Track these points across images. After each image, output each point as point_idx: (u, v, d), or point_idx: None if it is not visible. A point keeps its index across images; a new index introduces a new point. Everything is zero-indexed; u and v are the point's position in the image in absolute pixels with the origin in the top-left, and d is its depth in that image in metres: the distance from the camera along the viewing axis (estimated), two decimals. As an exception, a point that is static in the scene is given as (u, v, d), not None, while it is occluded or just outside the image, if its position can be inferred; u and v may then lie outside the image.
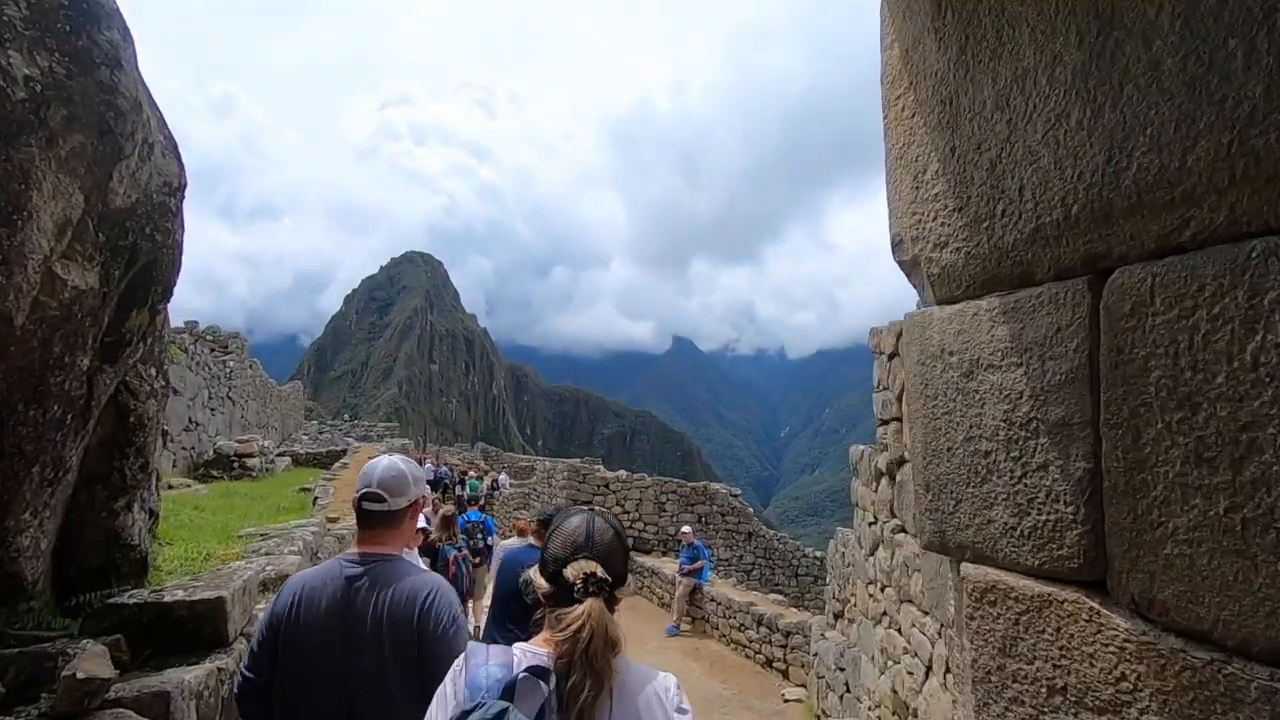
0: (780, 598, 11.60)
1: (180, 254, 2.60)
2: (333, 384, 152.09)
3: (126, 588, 2.69)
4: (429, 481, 25.03)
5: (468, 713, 1.23)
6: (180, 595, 2.76)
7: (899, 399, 4.75)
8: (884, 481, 5.10)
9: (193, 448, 13.97)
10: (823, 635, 8.15)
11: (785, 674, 9.77)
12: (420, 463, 28.57)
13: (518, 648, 1.38)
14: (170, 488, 9.31)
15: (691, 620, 12.02)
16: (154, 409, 2.63)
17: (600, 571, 1.37)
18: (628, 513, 15.42)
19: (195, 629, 2.70)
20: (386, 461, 2.07)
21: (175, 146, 2.40)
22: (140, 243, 2.20)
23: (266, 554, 3.37)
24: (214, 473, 13.13)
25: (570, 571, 1.36)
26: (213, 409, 15.85)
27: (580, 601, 1.34)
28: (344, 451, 15.19)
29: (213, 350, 18.14)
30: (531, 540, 4.59)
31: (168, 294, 2.60)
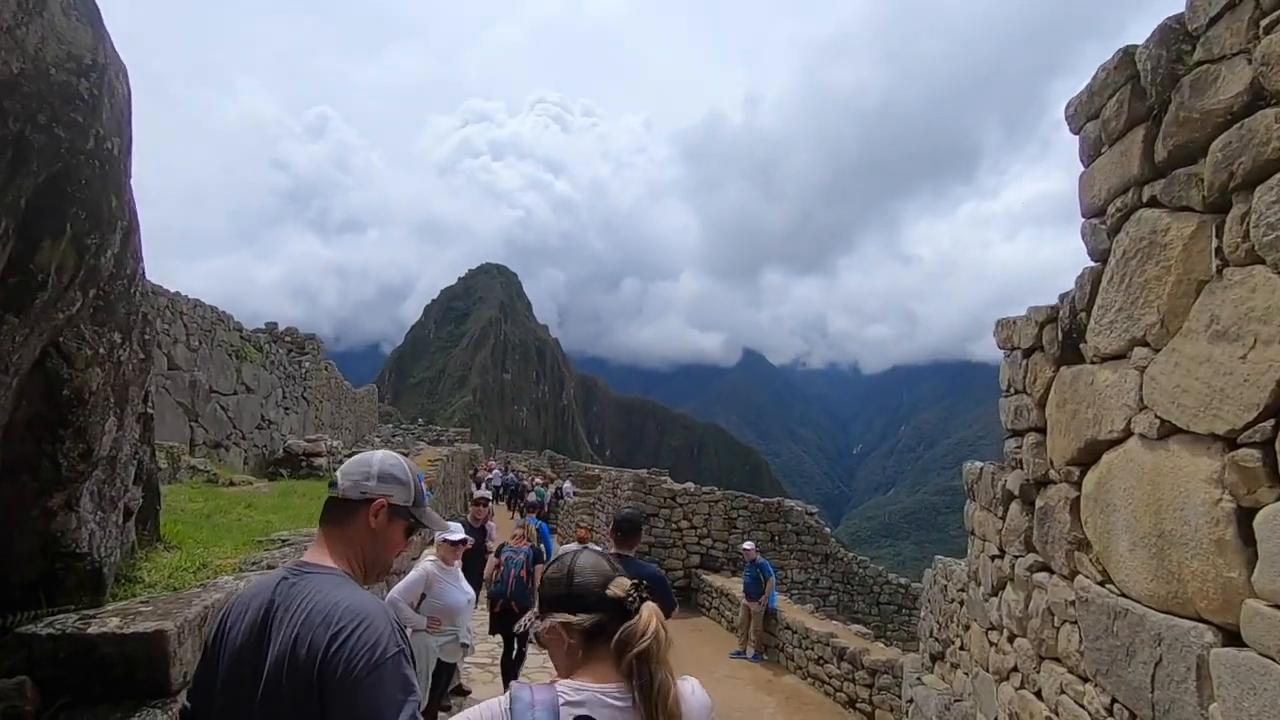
0: (863, 629, 10.52)
1: (121, 171, 2.04)
2: (411, 390, 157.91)
3: (67, 609, 2.15)
4: (498, 488, 24.93)
5: None
6: (113, 625, 2.08)
7: (1040, 404, 3.82)
8: (1015, 506, 4.15)
9: (265, 446, 14.11)
10: (919, 680, 7.10)
11: (870, 717, 8.71)
12: (489, 469, 28.69)
13: (562, 686, 1.30)
14: (232, 484, 9.18)
15: (765, 648, 11.09)
16: (99, 381, 2.08)
17: (643, 577, 1.43)
18: (695, 528, 14.59)
19: (127, 672, 2.03)
20: (361, 453, 1.70)
21: (94, 9, 1.83)
22: (31, 136, 1.64)
23: (269, 567, 2.86)
24: (282, 471, 13.16)
25: (617, 589, 1.37)
26: (286, 408, 16.07)
27: (636, 610, 1.35)
28: (406, 454, 15.05)
29: (290, 351, 18.51)
30: (594, 547, 4.09)
31: (102, 224, 2.04)
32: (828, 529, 15.89)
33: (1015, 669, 4.16)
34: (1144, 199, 2.73)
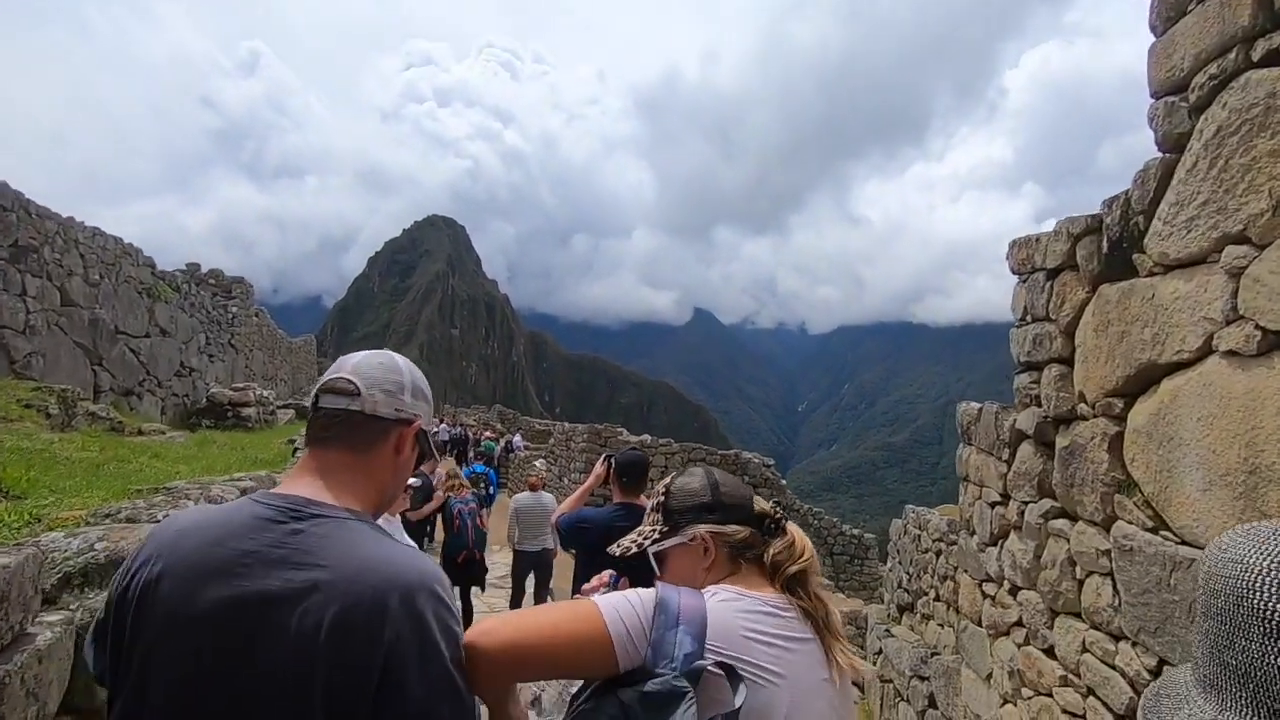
0: (825, 581, 10.35)
1: None
2: (354, 345, 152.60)
3: None
4: (445, 442, 24.15)
5: (647, 679, 0.97)
6: None
7: (1066, 332, 3.36)
8: (1026, 448, 3.73)
9: (185, 395, 12.96)
10: (888, 632, 6.88)
11: (832, 669, 8.55)
12: (437, 423, 27.71)
13: (723, 590, 1.15)
14: (140, 433, 8.22)
15: None
16: None
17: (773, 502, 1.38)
18: (652, 480, 14.19)
19: None
20: (375, 353, 1.21)
21: None
22: None
23: (129, 520, 2.18)
24: (205, 421, 12.11)
25: (764, 506, 1.33)
26: (211, 355, 14.83)
27: (781, 526, 1.30)
28: None
29: (216, 295, 17.10)
30: (578, 488, 3.99)
31: None
32: (784, 482, 15.76)
33: (1019, 624, 3.80)
34: (1254, 58, 2.20)
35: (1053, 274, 3.50)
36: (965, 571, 4.69)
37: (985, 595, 4.31)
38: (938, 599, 6.13)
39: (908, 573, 7.10)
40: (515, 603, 7.17)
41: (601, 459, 3.79)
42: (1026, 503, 3.74)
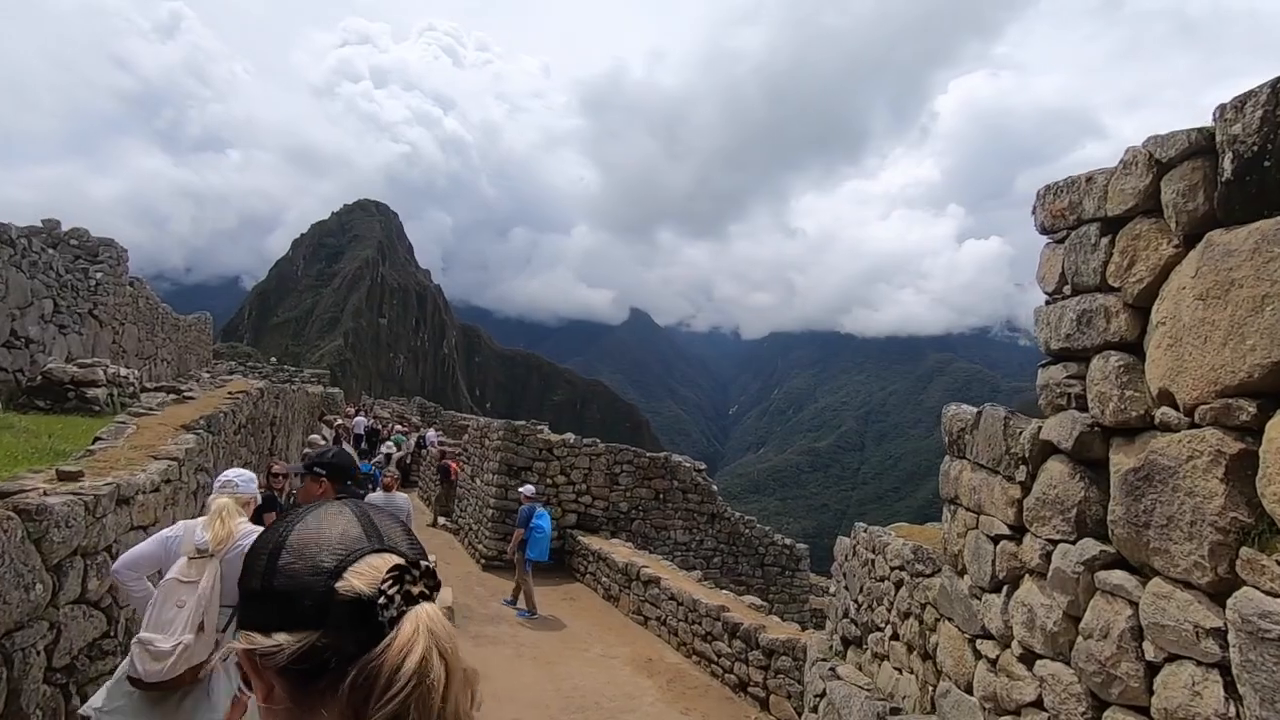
0: (758, 601, 9.39)
1: None
2: (274, 330, 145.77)
3: None
4: (359, 436, 22.28)
5: None
6: None
7: (1137, 305, 2.38)
8: (1058, 467, 2.73)
9: (18, 370, 10.87)
10: (833, 671, 5.90)
11: (764, 704, 7.56)
12: (349, 415, 25.68)
13: None
14: (-91, 414, 6.40)
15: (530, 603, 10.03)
16: None
17: (422, 561, 0.74)
18: (574, 483, 12.98)
19: None
20: None
21: None
22: None
23: None
24: (38, 402, 10.10)
25: (357, 580, 0.70)
26: (62, 326, 12.65)
27: (396, 621, 0.68)
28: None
29: (77, 259, 14.79)
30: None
31: None
32: (714, 488, 14.83)
33: (1039, 705, 2.80)
34: None
35: (1114, 225, 2.50)
36: (949, 620, 3.69)
37: (980, 656, 3.31)
38: (896, 638, 5.18)
39: (856, 601, 6.14)
40: None
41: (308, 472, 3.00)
42: (1056, 542, 2.73)
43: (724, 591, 10.02)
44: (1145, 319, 2.35)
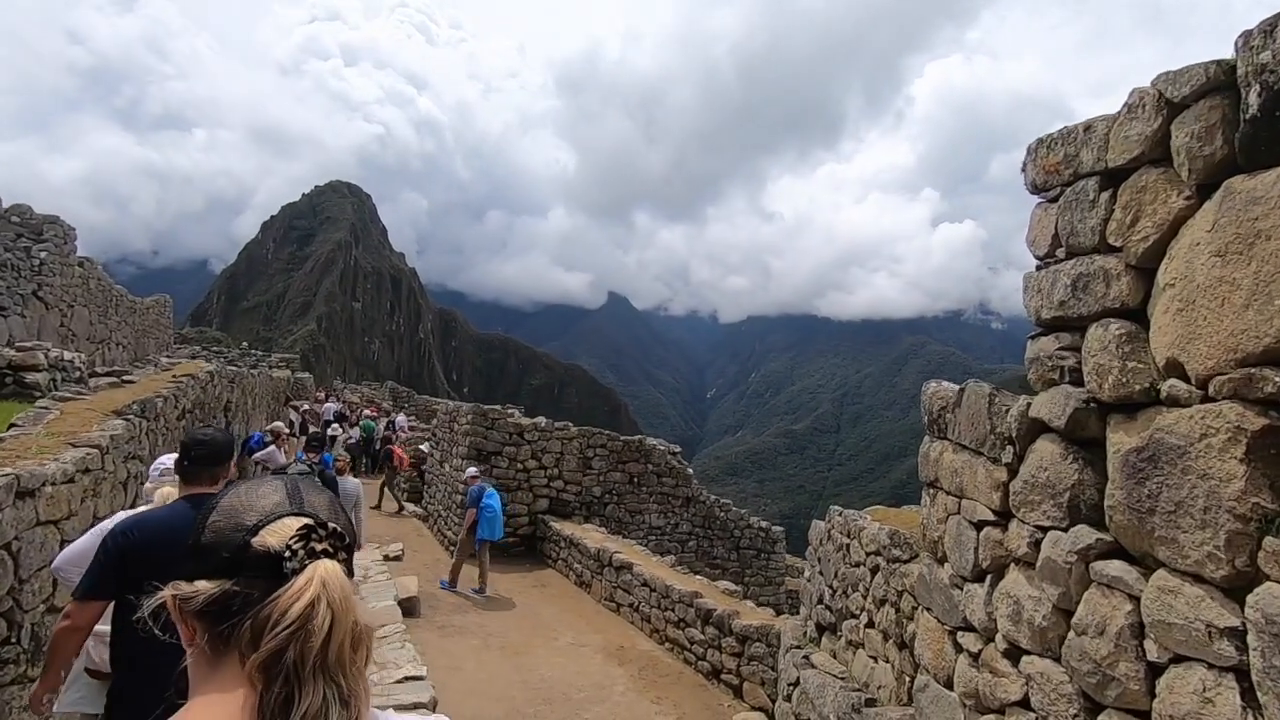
0: (732, 586, 9.21)
1: None
2: (245, 315, 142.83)
3: None
4: (329, 421, 21.86)
5: None
6: None
7: (1139, 266, 2.13)
8: (1048, 447, 2.50)
9: (-49, 354, 10.23)
10: (807, 659, 5.71)
11: (738, 692, 7.40)
12: (319, 400, 25.05)
13: None
14: None
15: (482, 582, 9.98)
16: None
17: (332, 523, 0.84)
18: (545, 468, 12.68)
19: None
20: None
21: None
22: None
23: None
24: (-27, 389, 9.51)
25: (272, 537, 0.80)
26: (2, 308, 11.99)
27: (298, 572, 0.77)
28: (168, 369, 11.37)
29: (19, 236, 14.03)
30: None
31: None
32: (690, 471, 14.64)
33: (1025, 705, 2.59)
34: None
35: (1115, 178, 2.24)
36: (928, 610, 3.48)
37: (961, 650, 3.10)
38: (872, 626, 4.99)
39: (831, 587, 5.96)
40: None
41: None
42: (1046, 529, 2.50)
43: (698, 577, 9.84)
44: (1150, 281, 2.11)
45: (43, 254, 13.78)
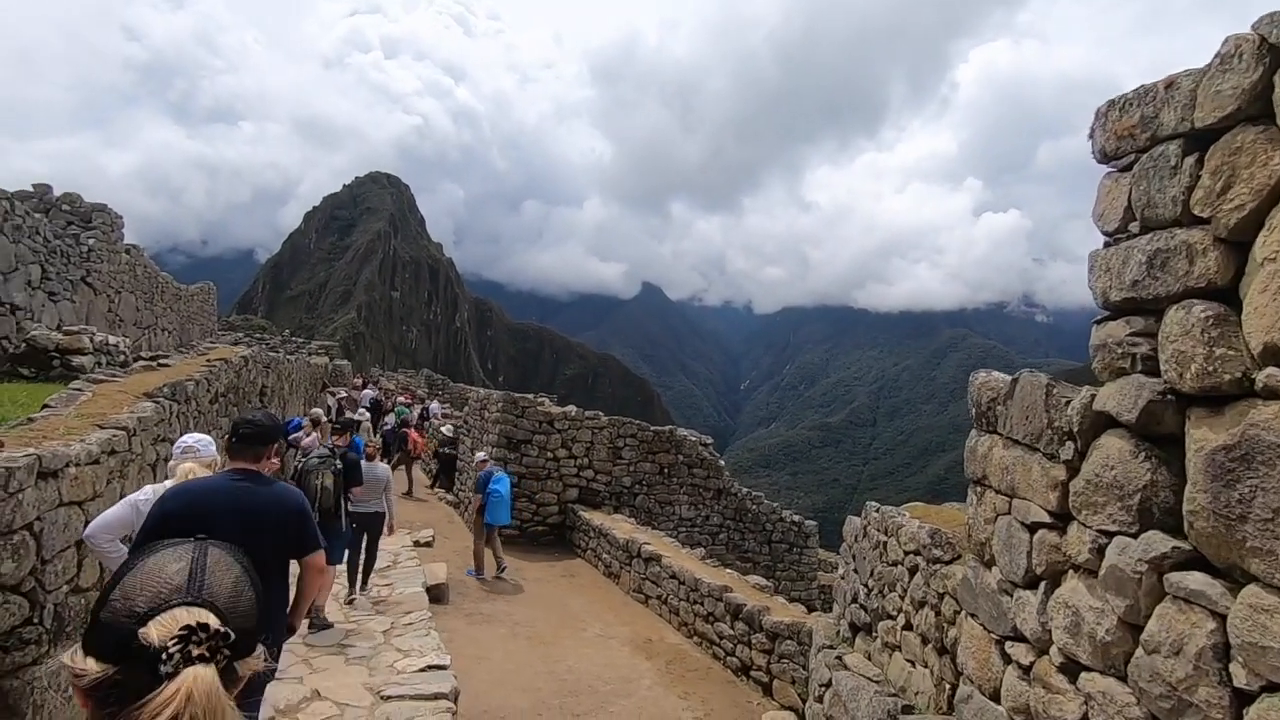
0: (763, 581, 9.00)
1: None
2: (289, 303, 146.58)
3: None
4: (366, 407, 22.24)
5: None
6: None
7: (1231, 241, 1.87)
8: (1117, 444, 2.25)
9: (5, 337, 10.58)
10: (839, 660, 5.49)
11: (768, 689, 7.21)
12: (356, 386, 25.48)
13: None
14: None
15: (498, 568, 10.09)
16: None
17: (214, 622, 0.83)
18: (575, 457, 12.60)
19: None
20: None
21: None
22: None
23: None
24: (22, 370, 9.84)
25: (155, 631, 0.80)
26: (52, 293, 12.34)
27: (172, 676, 0.77)
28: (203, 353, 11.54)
29: (69, 224, 14.45)
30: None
31: None
32: (721, 462, 14.42)
33: (1083, 726, 2.35)
34: None
35: (1203, 140, 1.98)
36: (973, 617, 3.24)
37: (1010, 661, 2.86)
38: (909, 628, 4.75)
39: (866, 585, 5.72)
40: (350, 558, 7.48)
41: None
42: (1111, 534, 2.26)
43: (728, 570, 9.65)
44: (1244, 257, 1.85)
45: (91, 241, 14.17)
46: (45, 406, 4.73)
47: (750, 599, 7.88)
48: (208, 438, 3.86)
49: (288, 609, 2.96)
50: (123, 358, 11.51)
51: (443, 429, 16.22)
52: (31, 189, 14.49)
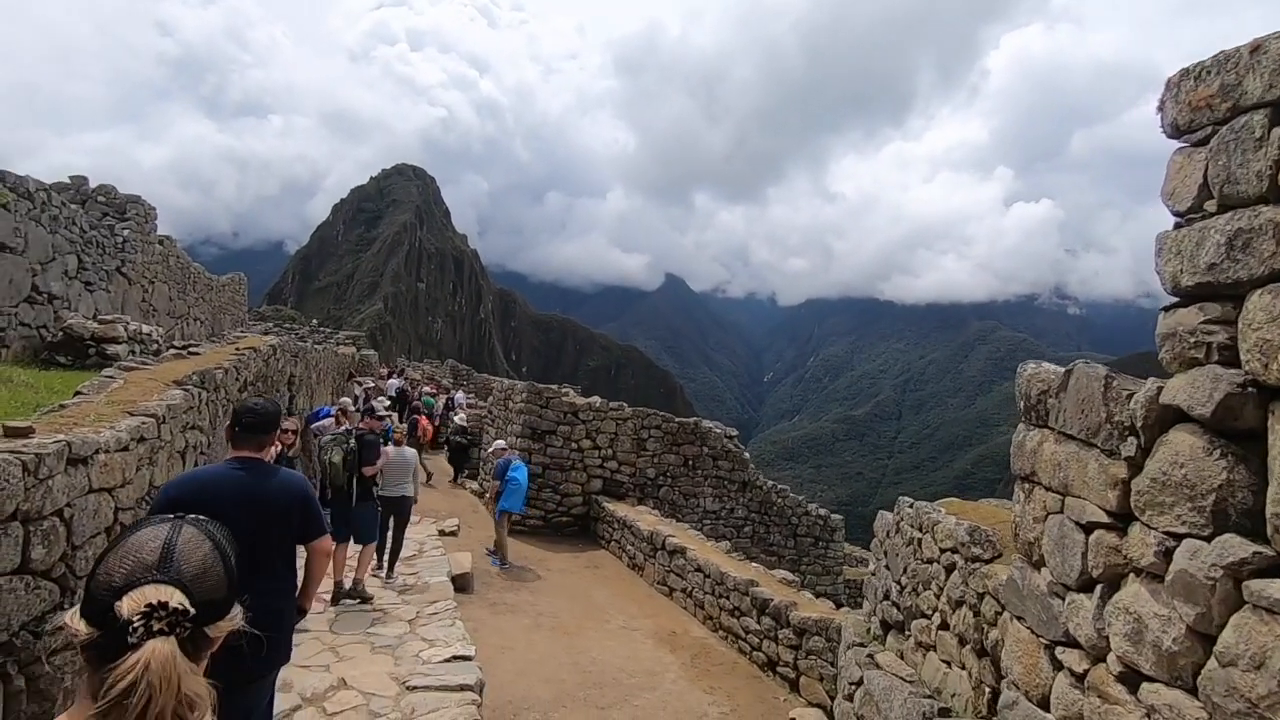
0: (789, 576, 8.87)
1: None
2: (317, 294, 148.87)
3: None
4: (392, 397, 22.50)
5: None
6: None
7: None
8: (1188, 440, 2.10)
9: (42, 326, 10.80)
10: (871, 659, 5.36)
11: (794, 685, 7.11)
12: (383, 376, 25.75)
13: None
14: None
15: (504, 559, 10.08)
16: None
17: (176, 600, 0.97)
18: (599, 448, 12.55)
19: None
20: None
21: None
22: None
23: None
24: (60, 358, 10.04)
25: (126, 605, 0.95)
26: (88, 283, 12.57)
27: (136, 647, 0.92)
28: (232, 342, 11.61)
29: (105, 216, 14.71)
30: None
31: None
32: (746, 455, 14.27)
33: (1145, 740, 2.21)
34: None
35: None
36: (1019, 619, 3.09)
37: (1060, 666, 2.72)
38: (945, 628, 4.60)
39: (898, 583, 5.57)
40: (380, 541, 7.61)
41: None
42: (1180, 536, 2.10)
43: (754, 564, 9.53)
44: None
45: (125, 232, 14.41)
46: (77, 393, 4.77)
47: (777, 594, 7.76)
48: None
49: (296, 593, 3.00)
50: (156, 346, 11.69)
51: (455, 418, 16.35)
52: (69, 181, 14.78)
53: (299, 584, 3.00)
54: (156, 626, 0.93)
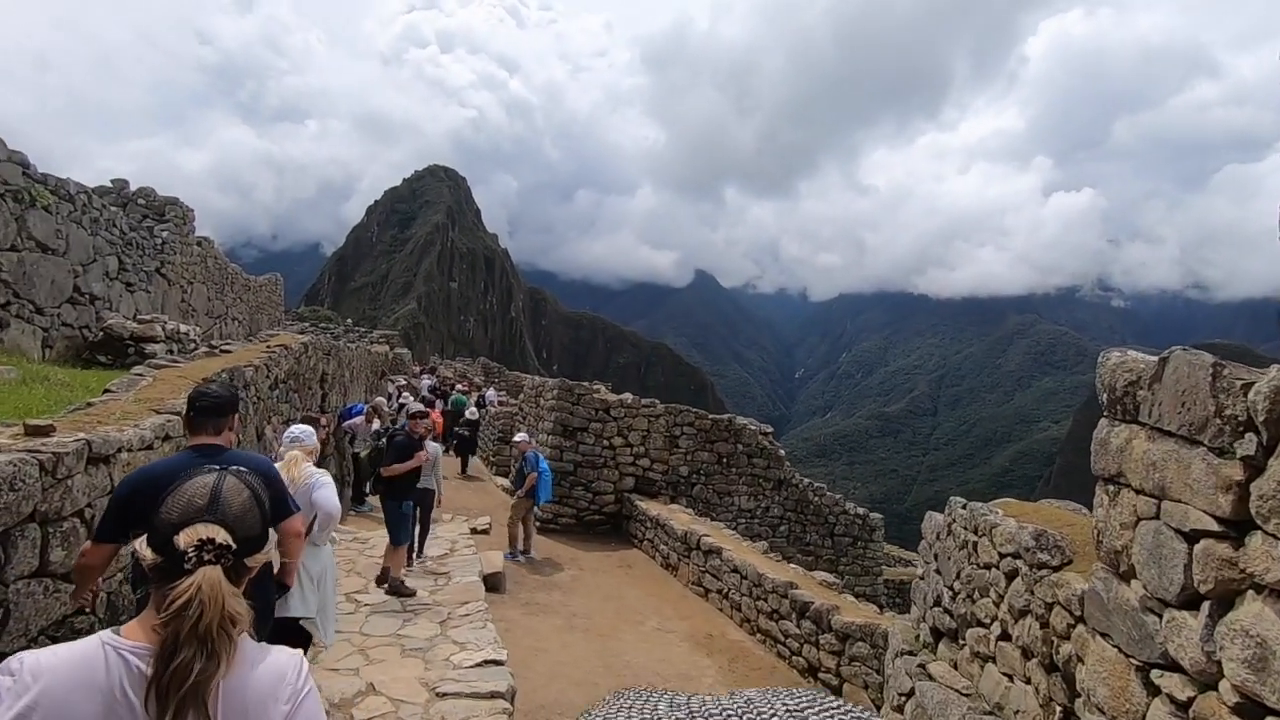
0: (830, 578, 8.55)
1: None
2: (352, 295, 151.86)
3: None
4: (425, 396, 22.65)
5: None
6: None
7: None
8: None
9: (84, 326, 10.98)
10: (923, 669, 5.05)
11: (837, 692, 6.81)
12: (417, 374, 25.96)
13: (105, 638, 1.17)
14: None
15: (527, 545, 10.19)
16: None
17: (222, 537, 1.22)
18: (631, 445, 12.35)
19: None
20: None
21: None
22: None
23: None
24: (100, 358, 10.19)
25: (183, 538, 1.20)
26: (129, 284, 12.78)
27: (190, 573, 1.17)
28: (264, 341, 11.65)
29: (145, 217, 14.98)
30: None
31: None
32: (782, 452, 13.93)
33: (1274, 785, 1.91)
34: None
35: None
36: (1102, 636, 2.79)
37: (1157, 691, 2.41)
38: (1007, 638, 4.28)
39: (951, 589, 5.25)
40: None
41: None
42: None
43: (791, 565, 9.23)
44: None
45: (164, 233, 14.65)
46: (106, 391, 4.72)
47: (818, 596, 7.47)
48: (309, 429, 4.47)
49: (274, 573, 3.11)
50: (193, 345, 11.81)
51: (467, 412, 16.44)
52: (110, 184, 15.07)
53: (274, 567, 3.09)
54: (206, 557, 1.18)
